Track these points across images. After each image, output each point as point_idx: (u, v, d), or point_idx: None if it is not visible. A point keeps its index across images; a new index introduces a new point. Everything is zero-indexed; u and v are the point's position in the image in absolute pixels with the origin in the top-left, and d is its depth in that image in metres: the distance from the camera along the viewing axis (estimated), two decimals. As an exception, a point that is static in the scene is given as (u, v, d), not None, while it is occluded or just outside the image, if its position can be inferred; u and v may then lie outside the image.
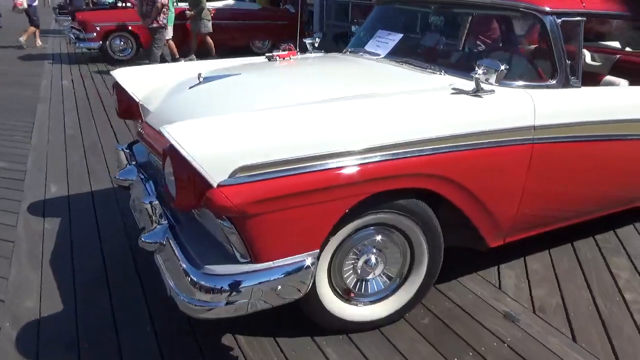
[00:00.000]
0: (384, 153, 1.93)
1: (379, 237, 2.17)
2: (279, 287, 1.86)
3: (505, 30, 2.95)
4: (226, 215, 1.76)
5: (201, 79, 2.46)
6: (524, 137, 2.30)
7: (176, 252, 1.95)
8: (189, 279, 1.82)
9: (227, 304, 1.80)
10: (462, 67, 2.60)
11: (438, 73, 2.56)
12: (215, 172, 1.67)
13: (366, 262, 2.17)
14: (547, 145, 2.39)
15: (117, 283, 2.62)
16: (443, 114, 2.13)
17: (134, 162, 2.81)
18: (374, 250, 2.18)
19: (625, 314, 2.51)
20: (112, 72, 2.96)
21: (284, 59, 3.12)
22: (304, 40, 3.56)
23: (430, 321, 2.38)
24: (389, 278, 2.28)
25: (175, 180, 1.72)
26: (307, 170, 1.79)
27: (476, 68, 2.26)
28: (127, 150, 2.86)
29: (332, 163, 1.83)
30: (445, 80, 2.46)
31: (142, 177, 2.55)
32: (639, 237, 3.31)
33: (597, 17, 2.84)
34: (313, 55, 3.38)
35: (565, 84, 2.49)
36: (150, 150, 2.44)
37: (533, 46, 2.78)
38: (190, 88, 2.46)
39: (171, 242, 2.01)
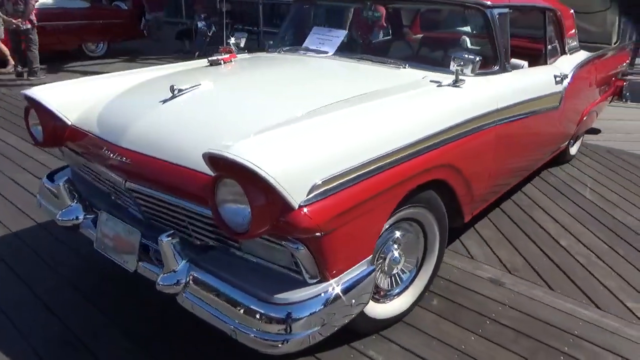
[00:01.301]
0: (418, 149, 1.98)
1: (398, 233, 2.21)
2: (353, 300, 1.79)
3: (451, 23, 3.19)
4: (299, 237, 1.62)
5: (175, 92, 2.17)
6: (492, 120, 2.55)
7: (226, 288, 1.74)
8: (259, 313, 1.65)
9: (309, 329, 1.67)
10: (421, 59, 2.76)
11: (402, 67, 2.67)
12: (295, 192, 1.53)
13: (392, 259, 2.20)
14: (504, 125, 2.68)
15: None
16: (446, 106, 2.25)
17: (76, 197, 2.36)
18: (395, 246, 2.22)
19: (570, 258, 2.98)
20: (27, 92, 2.42)
21: (227, 61, 2.91)
22: (229, 41, 3.34)
23: (439, 302, 2.51)
24: (408, 270, 2.35)
25: (251, 208, 1.52)
26: (368, 175, 1.75)
27: (452, 61, 2.43)
28: (66, 185, 2.37)
29: (385, 165, 1.82)
30: (416, 74, 2.58)
31: (108, 211, 2.18)
32: (539, 192, 3.92)
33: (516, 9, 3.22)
34: (249, 56, 3.20)
35: (503, 69, 2.81)
36: (125, 176, 2.06)
37: (474, 37, 3.06)
38: (163, 102, 2.15)
39: (210, 278, 1.79)
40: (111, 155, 2.05)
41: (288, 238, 1.64)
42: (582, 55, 4.03)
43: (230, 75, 2.62)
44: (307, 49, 3.07)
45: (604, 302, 2.56)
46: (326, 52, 2.98)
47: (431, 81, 2.46)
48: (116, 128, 2.13)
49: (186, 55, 10.54)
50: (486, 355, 2.16)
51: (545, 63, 3.45)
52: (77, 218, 2.33)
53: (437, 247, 2.39)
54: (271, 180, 1.48)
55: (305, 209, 1.54)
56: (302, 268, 1.69)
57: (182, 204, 1.86)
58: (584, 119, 4.23)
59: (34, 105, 2.40)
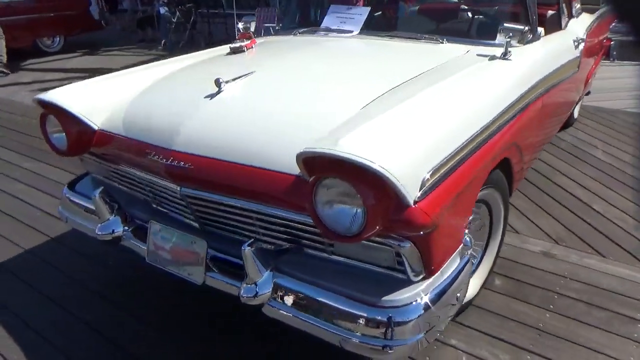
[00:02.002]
0: (496, 126, 1.89)
1: (470, 217, 2.12)
2: (457, 294, 1.70)
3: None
4: (409, 234, 1.50)
5: (222, 85, 1.98)
6: (539, 90, 2.48)
7: (323, 294, 1.61)
8: (369, 318, 1.53)
9: (427, 332, 1.57)
10: (453, 33, 2.64)
11: (440, 42, 2.55)
12: (409, 187, 1.40)
13: (465, 245, 2.12)
14: (547, 94, 2.62)
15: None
16: (507, 81, 2.16)
17: (115, 209, 2.16)
18: (466, 231, 2.14)
19: (608, 223, 2.99)
20: (43, 97, 2.17)
21: (249, 48, 2.71)
22: (238, 26, 3.12)
23: (502, 281, 2.46)
24: (476, 253, 2.28)
25: (366, 209, 1.38)
26: (463, 161, 1.64)
27: (498, 33, 2.33)
28: (102, 195, 2.15)
29: (475, 148, 1.72)
30: (458, 49, 2.46)
31: (159, 222, 1.99)
32: (556, 158, 3.93)
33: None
34: (266, 40, 3.00)
35: (537, 37, 2.73)
36: (180, 182, 1.87)
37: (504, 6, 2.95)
38: (211, 98, 1.96)
39: (301, 285, 1.65)
40: (161, 160, 1.85)
41: (393, 236, 1.52)
42: (586, 17, 4.02)
43: (270, 62, 2.41)
44: (329, 29, 2.89)
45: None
46: (351, 32, 2.82)
47: (478, 55, 2.35)
48: (162, 130, 1.92)
49: (151, 44, 10.07)
50: (566, 331, 2.13)
51: (561, 28, 3.40)
52: (118, 231, 2.13)
53: (501, 227, 2.32)
54: (391, 178, 1.35)
55: (419, 205, 1.42)
56: (407, 266, 1.58)
57: (257, 209, 1.71)
58: (589, 80, 4.26)
59: (54, 110, 2.16)
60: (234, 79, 2.02)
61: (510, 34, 2.30)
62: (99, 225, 2.14)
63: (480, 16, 2.92)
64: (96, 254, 2.75)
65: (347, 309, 1.57)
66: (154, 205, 2.15)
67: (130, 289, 2.50)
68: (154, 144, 1.90)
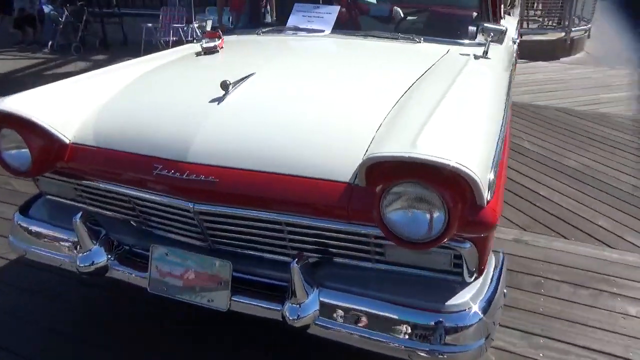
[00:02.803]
0: (505, 123, 1.95)
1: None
2: (505, 290, 1.70)
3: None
4: (472, 235, 1.47)
5: (230, 88, 1.79)
6: (509, 86, 2.62)
7: (378, 305, 1.53)
8: (441, 325, 1.48)
9: (487, 337, 1.55)
10: (427, 32, 2.67)
11: (417, 42, 2.56)
12: (485, 188, 1.37)
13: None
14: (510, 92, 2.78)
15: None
16: (497, 80, 2.21)
17: (101, 235, 1.86)
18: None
19: (557, 207, 3.25)
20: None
21: (221, 48, 2.51)
22: (193, 25, 2.89)
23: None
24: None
25: (449, 213, 1.32)
26: (501, 156, 1.66)
27: (479, 33, 2.42)
28: (83, 220, 1.83)
29: (502, 143, 1.74)
30: (439, 48, 2.49)
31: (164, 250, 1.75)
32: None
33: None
34: (235, 39, 2.79)
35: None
36: (195, 198, 1.65)
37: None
38: (219, 102, 1.77)
39: (356, 301, 1.55)
40: (173, 175, 1.62)
41: (455, 237, 1.48)
42: (510, 18, 4.34)
43: (262, 63, 2.21)
44: (297, 29, 2.78)
45: (611, 241, 2.85)
46: (321, 31, 2.73)
47: (461, 54, 2.41)
48: (170, 140, 1.69)
49: (30, 47, 9.03)
50: (563, 312, 2.26)
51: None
52: (101, 260, 1.84)
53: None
54: (477, 180, 1.30)
55: (489, 205, 1.40)
56: (465, 267, 1.55)
57: (293, 221, 1.57)
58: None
59: (12, 122, 1.80)
60: (237, 82, 1.85)
61: (492, 34, 2.38)
62: (80, 255, 1.83)
63: (447, 16, 3.00)
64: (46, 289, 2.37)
65: (410, 319, 1.50)
66: (141, 227, 1.90)
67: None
68: (162, 157, 1.66)
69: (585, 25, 9.14)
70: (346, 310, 1.56)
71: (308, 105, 1.79)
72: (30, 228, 2.03)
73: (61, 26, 8.64)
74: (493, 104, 1.89)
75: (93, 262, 1.83)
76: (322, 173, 1.52)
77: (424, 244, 1.39)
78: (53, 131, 1.81)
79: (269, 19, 3.37)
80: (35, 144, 1.81)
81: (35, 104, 1.86)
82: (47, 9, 8.73)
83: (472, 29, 2.49)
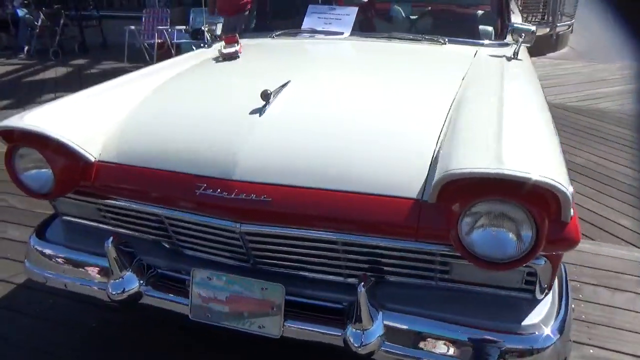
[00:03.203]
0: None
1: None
2: (573, 305, 1.63)
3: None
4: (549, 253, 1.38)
5: (271, 98, 1.67)
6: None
7: (455, 330, 1.43)
8: (515, 350, 1.39)
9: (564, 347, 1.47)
10: (456, 33, 2.59)
11: (442, 43, 2.48)
12: (572, 203, 1.28)
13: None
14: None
15: None
16: (535, 81, 2.14)
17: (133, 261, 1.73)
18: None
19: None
20: (11, 124, 1.65)
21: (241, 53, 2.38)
22: (202, 28, 2.75)
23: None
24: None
25: (538, 232, 1.23)
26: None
27: (509, 33, 2.35)
28: (115, 244, 1.69)
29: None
30: (467, 50, 2.42)
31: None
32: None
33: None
34: (255, 43, 2.64)
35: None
36: (242, 218, 1.53)
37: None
38: (260, 114, 1.65)
39: (424, 324, 1.46)
40: (217, 194, 1.50)
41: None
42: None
43: (294, 70, 2.07)
44: (314, 31, 2.67)
45: (638, 241, 2.82)
46: (341, 33, 2.63)
47: (491, 56, 2.34)
48: (209, 157, 1.56)
49: (5, 52, 8.66)
50: (606, 318, 2.21)
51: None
52: (133, 287, 1.70)
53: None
54: (569, 197, 1.22)
55: (572, 220, 1.32)
56: (538, 284, 1.47)
57: (350, 239, 1.47)
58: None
59: (33, 141, 1.65)
60: (275, 91, 1.73)
61: (523, 35, 2.31)
62: (112, 282, 1.69)
63: (465, 16, 2.93)
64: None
65: (484, 342, 1.41)
66: (173, 248, 1.77)
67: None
68: (206, 175, 1.53)
69: (569, 21, 9.25)
70: (414, 334, 1.46)
71: (355, 115, 1.68)
72: (50, 253, 1.87)
73: (37, 30, 8.29)
74: (544, 110, 1.81)
75: (124, 289, 1.69)
76: (384, 189, 1.42)
77: (507, 264, 1.30)
78: (78, 149, 1.66)
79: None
80: (58, 163, 1.66)
81: (55, 121, 1.71)
82: (21, 12, 8.35)
83: (486, 28, 2.40)
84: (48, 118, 1.71)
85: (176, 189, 1.57)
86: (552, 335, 1.41)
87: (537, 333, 1.42)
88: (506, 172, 1.21)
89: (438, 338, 1.44)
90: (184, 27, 7.50)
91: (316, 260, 1.58)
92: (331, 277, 1.62)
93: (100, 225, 1.88)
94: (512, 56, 2.30)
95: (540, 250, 1.27)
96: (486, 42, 2.52)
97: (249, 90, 1.80)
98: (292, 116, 1.65)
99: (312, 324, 1.56)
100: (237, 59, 2.32)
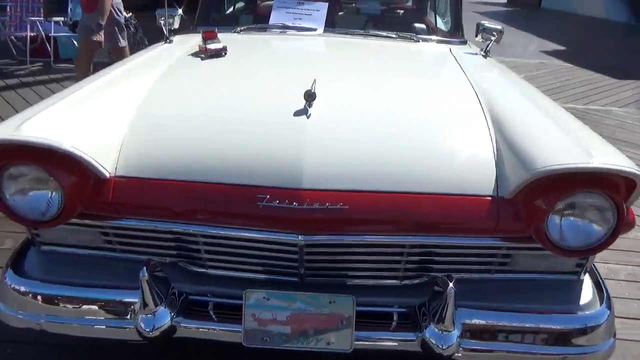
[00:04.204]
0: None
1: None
2: None
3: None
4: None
5: (312, 97, 1.55)
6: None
7: (524, 318, 1.49)
8: (581, 329, 1.49)
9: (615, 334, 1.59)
10: (425, 31, 2.67)
11: (415, 40, 2.55)
12: None
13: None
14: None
15: None
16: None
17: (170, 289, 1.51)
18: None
19: None
20: (14, 136, 1.32)
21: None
22: (160, 21, 2.46)
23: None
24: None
25: (618, 220, 1.31)
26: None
27: (480, 32, 2.49)
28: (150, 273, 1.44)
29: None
30: (441, 48, 2.51)
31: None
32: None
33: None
34: (224, 38, 2.41)
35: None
36: (305, 229, 1.40)
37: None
38: (308, 115, 1.52)
39: (495, 316, 1.49)
40: (284, 205, 1.36)
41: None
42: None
43: (307, 66, 1.97)
44: (285, 27, 2.55)
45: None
46: (313, 29, 2.55)
47: (466, 53, 2.46)
48: (264, 165, 1.41)
49: None
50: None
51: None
52: (165, 322, 1.48)
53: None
54: None
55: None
56: (585, 265, 1.57)
57: (420, 242, 1.45)
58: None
59: (31, 156, 1.34)
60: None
61: (494, 33, 2.46)
62: (144, 317, 1.45)
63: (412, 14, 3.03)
64: None
65: (555, 325, 1.49)
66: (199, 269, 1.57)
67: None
68: (267, 185, 1.39)
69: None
70: (489, 328, 1.49)
71: (400, 114, 1.65)
72: (42, 292, 1.54)
73: None
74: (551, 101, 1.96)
75: (160, 324, 1.46)
76: (458, 189, 1.43)
77: (589, 251, 1.38)
78: (93, 163, 1.39)
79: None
80: (68, 181, 1.38)
81: (58, 130, 1.41)
82: None
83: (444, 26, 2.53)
84: (48, 127, 1.40)
85: (232, 203, 1.40)
86: (605, 311, 1.54)
87: (593, 311, 1.53)
88: (603, 165, 1.29)
89: (512, 328, 1.48)
90: (62, 18, 6.66)
91: (374, 265, 1.53)
92: (386, 282, 1.57)
93: (96, 252, 1.60)
94: (485, 54, 2.44)
95: (617, 236, 1.37)
96: (453, 40, 2.64)
97: (278, 90, 1.67)
98: (341, 117, 1.57)
99: (383, 332, 1.51)
100: (224, 56, 2.12)
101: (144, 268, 1.40)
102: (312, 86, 1.55)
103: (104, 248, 1.59)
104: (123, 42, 5.14)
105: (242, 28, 2.57)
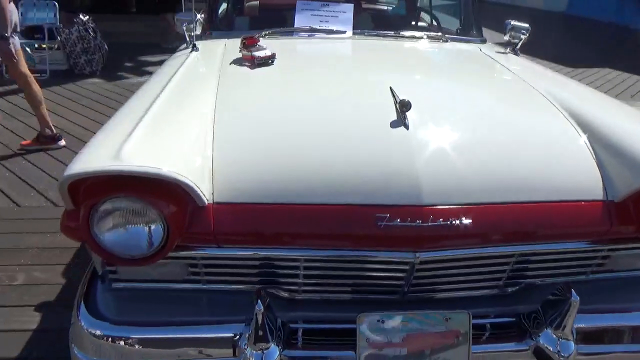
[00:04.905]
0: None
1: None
2: None
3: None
4: None
5: (406, 107, 1.48)
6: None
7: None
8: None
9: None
10: (454, 31, 2.66)
11: (444, 41, 2.53)
12: None
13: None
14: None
15: None
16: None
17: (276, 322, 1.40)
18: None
19: None
20: (118, 166, 1.18)
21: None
22: (183, 28, 2.30)
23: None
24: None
25: None
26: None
27: (507, 31, 2.51)
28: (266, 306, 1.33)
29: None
30: (472, 48, 2.51)
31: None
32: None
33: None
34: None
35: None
36: (424, 245, 1.33)
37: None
38: (407, 126, 1.46)
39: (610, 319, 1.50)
40: (407, 223, 1.30)
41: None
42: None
43: (371, 73, 1.87)
44: (313, 30, 2.46)
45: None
46: (342, 32, 2.47)
47: (498, 52, 2.47)
48: (377, 183, 1.34)
49: None
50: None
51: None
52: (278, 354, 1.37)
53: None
54: None
55: None
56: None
57: (531, 250, 1.44)
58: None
59: (131, 188, 1.20)
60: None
61: (522, 32, 2.49)
62: (254, 352, 1.34)
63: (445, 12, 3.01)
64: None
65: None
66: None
67: None
68: (389, 204, 1.31)
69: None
70: (603, 330, 1.49)
71: (491, 121, 1.63)
72: (130, 336, 1.38)
73: None
74: None
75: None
76: (571, 194, 1.42)
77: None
78: (196, 190, 1.26)
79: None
80: (168, 211, 1.25)
81: (153, 157, 1.27)
82: None
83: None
84: (144, 154, 1.26)
85: (348, 224, 1.32)
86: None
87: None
88: None
89: (622, 328, 1.49)
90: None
91: (476, 277, 1.50)
92: (486, 292, 1.54)
93: (181, 286, 1.47)
94: (516, 53, 2.46)
95: None
96: (475, 39, 2.65)
97: (359, 99, 1.59)
98: (438, 126, 1.51)
99: (496, 343, 1.47)
100: (272, 65, 2.00)
101: (259, 300, 1.29)
102: (394, 94, 1.49)
103: (189, 280, 1.46)
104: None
105: (268, 32, 2.44)
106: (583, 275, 1.58)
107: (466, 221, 1.32)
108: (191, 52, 2.24)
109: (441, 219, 1.31)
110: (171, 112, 1.55)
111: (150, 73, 6.19)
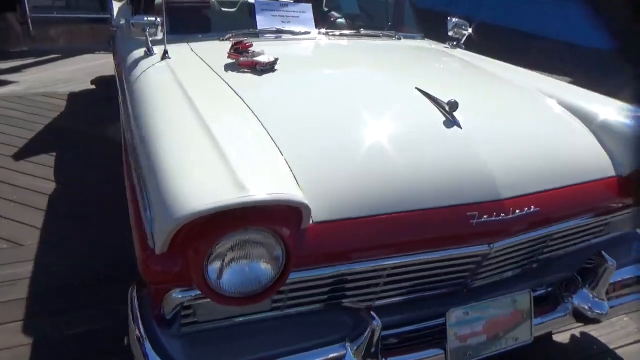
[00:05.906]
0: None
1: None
2: None
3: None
4: None
5: (453, 108, 1.55)
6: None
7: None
8: None
9: None
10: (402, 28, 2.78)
11: (398, 38, 2.65)
12: None
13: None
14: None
15: None
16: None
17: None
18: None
19: None
20: (260, 196, 1.04)
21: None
22: (146, 33, 2.04)
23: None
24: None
25: None
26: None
27: (452, 27, 2.72)
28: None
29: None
30: (423, 43, 2.67)
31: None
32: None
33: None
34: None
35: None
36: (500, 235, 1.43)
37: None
38: (459, 127, 1.52)
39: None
40: (493, 218, 1.38)
41: None
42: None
43: (388, 75, 1.86)
44: (279, 31, 2.38)
45: None
46: (306, 32, 2.44)
47: (446, 47, 2.67)
48: (455, 183, 1.39)
49: None
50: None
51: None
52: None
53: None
54: None
55: None
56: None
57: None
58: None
59: (259, 219, 1.09)
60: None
61: (463, 27, 2.72)
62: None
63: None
64: None
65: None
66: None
67: None
68: (473, 202, 1.38)
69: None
70: (622, 283, 1.74)
71: (515, 113, 1.80)
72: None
73: None
74: None
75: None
76: (600, 173, 1.64)
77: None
78: (310, 212, 1.19)
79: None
80: (288, 237, 1.15)
81: (268, 181, 1.15)
82: None
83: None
84: (258, 180, 1.13)
85: (445, 226, 1.35)
86: None
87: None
88: None
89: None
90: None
91: (522, 257, 1.63)
92: (519, 270, 1.70)
93: (258, 317, 1.36)
94: (461, 47, 2.69)
95: None
96: (417, 35, 2.82)
97: (402, 102, 1.62)
98: (484, 122, 1.62)
99: (548, 314, 1.64)
100: (275, 71, 1.88)
101: (376, 317, 1.26)
102: (429, 96, 1.58)
103: (273, 309, 1.35)
104: None
105: (231, 34, 2.30)
106: (587, 242, 1.83)
107: (536, 208, 1.44)
108: (162, 59, 2.00)
109: (518, 210, 1.41)
110: (230, 135, 1.39)
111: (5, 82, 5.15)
